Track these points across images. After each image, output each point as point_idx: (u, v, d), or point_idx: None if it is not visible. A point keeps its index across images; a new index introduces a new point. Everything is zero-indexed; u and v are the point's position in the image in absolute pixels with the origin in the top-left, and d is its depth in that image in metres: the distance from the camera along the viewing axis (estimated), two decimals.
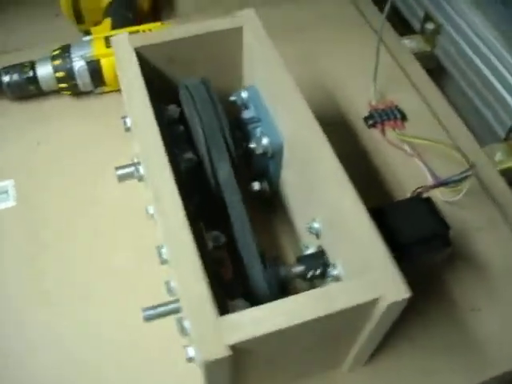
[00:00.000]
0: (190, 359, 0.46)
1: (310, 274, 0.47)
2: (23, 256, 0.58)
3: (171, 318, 0.43)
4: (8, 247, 0.59)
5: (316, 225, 0.47)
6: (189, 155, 0.50)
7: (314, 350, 0.44)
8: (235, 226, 0.46)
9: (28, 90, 0.68)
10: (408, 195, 0.58)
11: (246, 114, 0.53)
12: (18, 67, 0.67)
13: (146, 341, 0.53)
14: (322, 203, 0.46)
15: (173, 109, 0.53)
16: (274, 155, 0.52)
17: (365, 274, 0.40)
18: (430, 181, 0.62)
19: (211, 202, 0.50)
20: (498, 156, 0.71)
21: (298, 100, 0.48)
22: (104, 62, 0.66)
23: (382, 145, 0.67)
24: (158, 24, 0.69)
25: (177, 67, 0.56)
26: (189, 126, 0.52)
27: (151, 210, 0.54)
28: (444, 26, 0.79)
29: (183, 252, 0.40)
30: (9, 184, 0.63)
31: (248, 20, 0.55)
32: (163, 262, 0.45)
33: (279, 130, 0.51)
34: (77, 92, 0.69)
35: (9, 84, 0.67)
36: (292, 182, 0.53)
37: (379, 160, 0.66)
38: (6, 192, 0.62)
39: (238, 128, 0.53)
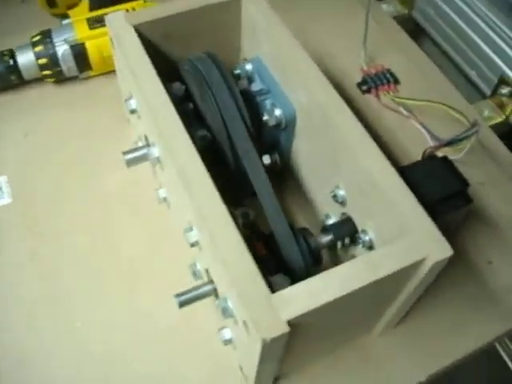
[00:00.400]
0: (227, 341, 0.45)
1: (339, 243, 0.47)
2: (25, 253, 0.56)
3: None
4: (9, 245, 0.56)
5: (341, 192, 0.47)
6: (202, 132, 0.49)
7: (356, 317, 0.44)
8: (262, 200, 0.45)
9: (9, 79, 0.64)
10: (411, 157, 0.59)
11: (255, 87, 0.52)
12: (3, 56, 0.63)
13: (164, 327, 0.52)
14: (348, 169, 0.45)
15: (177, 86, 0.51)
16: (287, 126, 0.51)
17: (403, 236, 0.40)
18: (429, 141, 0.63)
19: (228, 179, 0.49)
20: (486, 113, 0.73)
21: (312, 68, 0.48)
22: (89, 45, 0.63)
23: (379, 109, 0.67)
24: (140, 2, 0.67)
25: (174, 43, 0.54)
26: (197, 103, 0.51)
27: (163, 194, 0.52)
28: None
29: (223, 229, 0.39)
30: (2, 181, 0.60)
31: None
32: (192, 244, 0.44)
33: (290, 100, 0.50)
34: (61, 78, 0.66)
35: None
36: (307, 151, 0.52)
37: (377, 125, 0.66)
38: (0, 189, 0.59)
39: (246, 101, 0.51)
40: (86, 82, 0.68)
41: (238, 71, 0.53)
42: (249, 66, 0.53)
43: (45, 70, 0.64)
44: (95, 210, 0.59)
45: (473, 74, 0.76)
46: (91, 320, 0.52)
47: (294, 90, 0.50)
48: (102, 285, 0.54)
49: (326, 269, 0.38)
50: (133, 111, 0.50)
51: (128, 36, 0.49)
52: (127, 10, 0.64)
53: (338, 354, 0.51)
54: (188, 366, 0.50)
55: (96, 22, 0.64)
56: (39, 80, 0.66)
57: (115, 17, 0.51)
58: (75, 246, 0.56)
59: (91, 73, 0.67)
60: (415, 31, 0.83)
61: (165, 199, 0.52)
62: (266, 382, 0.47)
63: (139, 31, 0.51)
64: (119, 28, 0.50)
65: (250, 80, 0.54)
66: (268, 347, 0.36)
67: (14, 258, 0.55)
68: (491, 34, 0.72)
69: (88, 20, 0.64)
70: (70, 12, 0.68)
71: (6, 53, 0.63)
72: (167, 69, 0.53)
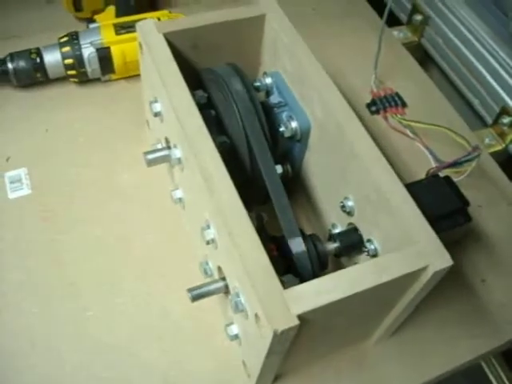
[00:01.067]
0: (233, 337, 0.48)
1: (345, 251, 0.50)
2: (42, 241, 0.58)
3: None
4: (27, 235, 0.59)
5: (350, 203, 0.50)
6: (221, 139, 0.51)
7: (358, 320, 0.47)
8: (276, 204, 0.48)
9: (34, 77, 0.67)
10: (415, 176, 0.62)
11: (273, 99, 0.55)
12: (25, 54, 0.66)
13: (171, 322, 0.54)
14: (357, 182, 0.48)
15: (200, 94, 0.54)
16: (301, 138, 0.54)
17: (406, 246, 0.43)
18: (432, 163, 0.66)
19: (241, 184, 0.52)
20: (487, 141, 0.76)
21: (329, 85, 0.51)
22: (114, 50, 0.67)
23: (386, 130, 0.70)
24: (165, 12, 0.70)
25: (199, 53, 0.57)
26: (218, 111, 0.54)
27: (179, 195, 0.55)
28: (432, 17, 0.83)
29: (241, 227, 0.41)
30: (22, 172, 0.63)
31: (270, 8, 0.56)
32: (208, 242, 0.46)
33: (306, 113, 0.53)
34: (84, 79, 0.69)
35: (15, 71, 0.66)
36: (318, 163, 0.55)
37: (384, 144, 0.69)
38: (20, 181, 0.62)
39: (264, 112, 0.54)
40: (107, 84, 0.71)
41: (257, 84, 0.56)
42: (268, 80, 0.56)
43: (70, 69, 0.67)
44: (109, 205, 0.61)
45: (476, 103, 0.80)
46: (102, 310, 0.55)
47: (310, 104, 0.53)
48: (114, 277, 0.57)
49: None
50: (156, 114, 0.53)
51: (158, 43, 0.52)
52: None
53: (335, 358, 0.53)
54: (192, 360, 0.52)
55: (122, 29, 0.67)
56: (63, 79, 0.69)
57: (146, 24, 0.54)
58: (89, 238, 0.59)
59: (113, 76, 0.70)
60: (423, 58, 0.87)
61: (180, 200, 0.55)
62: (268, 378, 0.49)
63: (167, 39, 0.53)
64: (149, 35, 0.53)
65: (269, 93, 0.57)
66: (277, 339, 0.38)
67: (31, 246, 0.58)
68: (495, 64, 0.75)
69: (115, 26, 0.67)
70: (96, 17, 0.71)
71: (33, 51, 0.66)
72: (191, 77, 0.56)
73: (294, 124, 0.53)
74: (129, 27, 0.67)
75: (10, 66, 0.65)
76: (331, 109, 0.49)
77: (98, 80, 0.70)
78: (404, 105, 0.72)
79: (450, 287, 0.58)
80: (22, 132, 0.66)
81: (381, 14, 0.87)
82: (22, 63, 0.66)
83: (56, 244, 0.58)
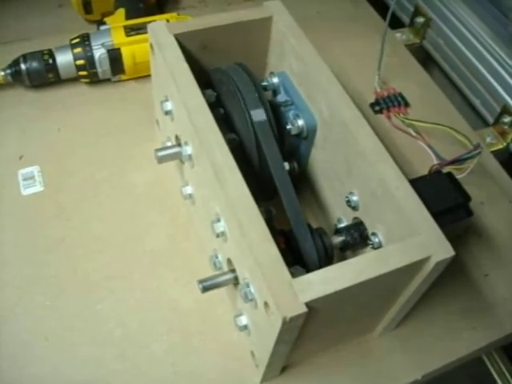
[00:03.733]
0: (242, 327, 0.49)
1: (351, 244, 0.51)
2: (54, 237, 0.60)
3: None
4: (39, 230, 0.60)
5: (355, 198, 0.51)
6: (230, 136, 0.53)
7: (363, 310, 0.48)
8: (284, 199, 0.49)
9: (46, 77, 0.69)
10: (417, 174, 0.63)
11: (280, 98, 0.57)
12: (38, 55, 0.68)
13: (180, 313, 0.56)
14: (362, 177, 0.50)
15: (209, 93, 0.55)
16: (308, 136, 0.55)
17: (410, 238, 0.44)
18: (434, 160, 0.67)
19: (249, 181, 0.54)
20: (488, 140, 0.77)
21: (335, 85, 0.52)
22: (124, 51, 0.68)
23: (389, 129, 0.72)
24: (174, 14, 0.72)
25: (208, 54, 0.59)
26: (226, 109, 0.55)
27: (189, 191, 0.56)
28: (433, 19, 0.85)
29: (251, 219, 0.43)
30: (34, 170, 0.64)
31: (277, 10, 0.58)
32: (218, 235, 0.48)
33: (312, 112, 0.55)
34: (94, 80, 0.71)
35: (28, 71, 0.67)
36: (324, 160, 0.56)
37: (387, 143, 0.70)
38: (33, 178, 0.64)
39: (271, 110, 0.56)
40: (117, 84, 0.72)
41: (265, 83, 0.58)
42: (275, 79, 0.58)
43: (81, 70, 0.69)
44: (121, 202, 0.63)
45: (477, 103, 0.81)
46: (113, 304, 0.56)
47: (316, 103, 0.54)
48: (125, 272, 0.58)
49: None
50: (167, 112, 0.55)
51: (169, 44, 0.54)
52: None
53: (340, 349, 0.55)
54: (201, 352, 0.54)
55: (132, 30, 0.69)
56: (74, 80, 0.71)
57: (157, 25, 0.56)
58: (101, 234, 0.60)
59: (123, 77, 0.71)
60: (425, 60, 0.88)
61: (190, 196, 0.57)
62: (276, 368, 0.51)
63: (178, 40, 0.55)
64: (161, 36, 0.55)
65: (276, 92, 0.58)
66: (286, 326, 0.40)
67: (44, 242, 0.59)
68: (496, 65, 0.77)
69: (125, 28, 0.69)
70: (107, 19, 0.73)
71: (45, 52, 0.68)
72: (200, 77, 0.58)
73: (300, 122, 0.55)
74: (138, 29, 0.69)
75: (22, 66, 0.67)
76: (337, 107, 0.51)
77: (108, 80, 0.72)
78: (407, 104, 0.74)
79: (452, 281, 0.59)
80: (34, 131, 0.68)
81: (383, 17, 0.89)
82: (34, 64, 0.67)
83: (68, 239, 0.60)
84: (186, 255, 0.59)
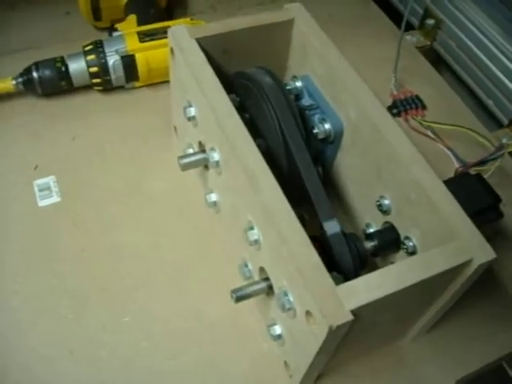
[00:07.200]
0: (276, 337, 0.48)
1: (383, 248, 0.50)
2: (74, 248, 0.58)
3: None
4: (58, 241, 0.59)
5: (386, 201, 0.50)
6: (258, 141, 0.52)
7: (398, 317, 0.47)
8: (317, 204, 0.48)
9: (59, 85, 0.67)
10: (440, 176, 0.62)
11: (305, 102, 0.56)
12: (50, 62, 0.66)
13: (208, 324, 0.55)
14: (395, 180, 0.49)
15: (233, 98, 0.54)
16: (334, 139, 0.54)
17: (448, 241, 0.43)
18: (455, 163, 0.67)
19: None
20: (504, 141, 0.77)
21: (362, 86, 0.52)
22: (138, 57, 0.67)
23: (407, 132, 0.71)
24: (187, 20, 0.71)
25: (229, 58, 0.58)
26: (252, 114, 0.54)
27: (213, 198, 0.55)
28: (444, 20, 0.84)
29: (290, 225, 0.42)
30: (50, 180, 0.63)
31: (299, 13, 0.57)
32: (251, 243, 0.46)
33: (339, 115, 0.54)
34: (108, 87, 0.69)
35: (40, 79, 0.66)
36: (351, 163, 0.56)
37: None
38: (49, 188, 0.62)
39: None
40: (130, 92, 0.71)
41: (288, 87, 0.57)
42: (298, 83, 0.57)
43: (95, 78, 0.67)
44: (139, 211, 0.62)
45: (490, 104, 0.81)
46: (138, 315, 0.55)
47: (343, 106, 0.53)
48: (149, 282, 0.57)
49: None
50: (190, 119, 0.54)
51: (192, 48, 0.53)
52: None
53: (372, 356, 0.54)
54: (231, 363, 0.53)
55: (146, 36, 0.68)
56: (87, 87, 0.70)
57: (178, 29, 0.55)
58: (121, 244, 0.59)
59: (137, 84, 0.70)
60: (436, 61, 0.88)
61: (215, 203, 0.55)
62: (312, 378, 0.49)
63: (200, 44, 0.54)
64: (182, 40, 0.54)
65: (299, 96, 0.57)
66: (332, 335, 0.39)
67: (64, 253, 0.58)
68: (508, 64, 0.76)
69: (138, 34, 0.68)
70: (118, 25, 0.71)
71: (58, 59, 0.67)
72: (221, 82, 0.57)
73: (327, 126, 0.54)
74: (152, 34, 0.68)
75: (35, 74, 0.66)
76: (366, 110, 0.50)
77: (121, 88, 0.71)
78: (424, 107, 0.73)
79: (482, 285, 0.58)
80: (48, 140, 0.66)
81: (392, 18, 0.89)
82: (47, 72, 0.66)
83: (88, 250, 0.58)
84: (211, 264, 0.58)
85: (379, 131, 0.49)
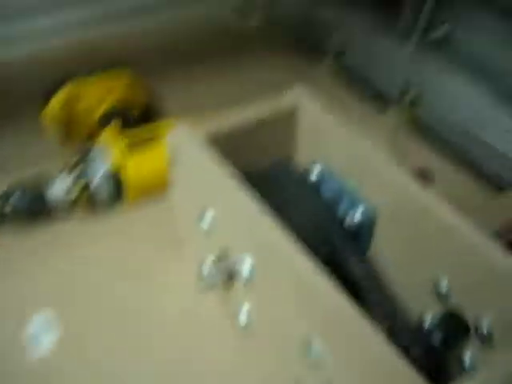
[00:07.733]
0: None
1: (451, 340, 0.44)
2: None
3: None
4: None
5: (444, 286, 0.45)
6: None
7: None
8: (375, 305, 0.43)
9: (37, 213, 0.60)
10: None
11: (325, 193, 0.51)
12: (23, 191, 0.60)
13: None
14: (452, 260, 0.44)
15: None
16: (368, 226, 0.50)
17: None
18: None
19: None
20: None
21: (392, 167, 0.48)
22: (126, 171, 0.62)
23: None
24: (171, 121, 0.66)
25: (235, 154, 0.53)
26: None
27: (243, 317, 0.49)
28: (424, 93, 0.83)
29: (362, 332, 0.36)
30: (48, 315, 0.54)
31: (301, 100, 0.54)
32: (312, 362, 0.40)
33: (368, 201, 0.50)
34: (94, 209, 0.63)
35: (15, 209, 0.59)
36: (390, 247, 0.50)
37: None
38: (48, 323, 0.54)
39: None
40: (120, 210, 0.64)
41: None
42: (313, 177, 0.53)
43: (78, 200, 0.61)
44: (157, 335, 0.54)
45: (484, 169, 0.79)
46: None
47: (374, 192, 0.49)
48: None
49: None
50: (208, 226, 0.48)
51: (198, 149, 0.48)
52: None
53: None
54: None
55: (131, 146, 0.63)
56: (69, 210, 0.62)
57: (178, 134, 0.50)
58: (146, 365, 0.51)
59: (126, 201, 0.64)
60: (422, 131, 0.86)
61: (246, 326, 0.48)
62: None
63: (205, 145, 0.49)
64: (185, 144, 0.49)
65: (317, 188, 0.53)
66: None
67: None
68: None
69: (124, 145, 0.63)
70: (99, 140, 0.66)
71: (34, 185, 0.60)
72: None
73: (357, 214, 0.49)
74: (137, 144, 0.63)
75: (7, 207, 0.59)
76: (402, 191, 0.46)
77: (110, 207, 0.64)
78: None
79: None
80: (38, 275, 0.58)
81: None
82: (21, 202, 0.59)
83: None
84: None
85: (426, 210, 0.45)
